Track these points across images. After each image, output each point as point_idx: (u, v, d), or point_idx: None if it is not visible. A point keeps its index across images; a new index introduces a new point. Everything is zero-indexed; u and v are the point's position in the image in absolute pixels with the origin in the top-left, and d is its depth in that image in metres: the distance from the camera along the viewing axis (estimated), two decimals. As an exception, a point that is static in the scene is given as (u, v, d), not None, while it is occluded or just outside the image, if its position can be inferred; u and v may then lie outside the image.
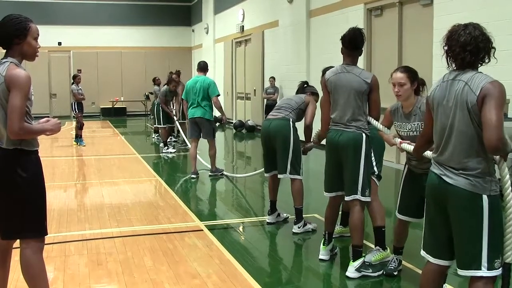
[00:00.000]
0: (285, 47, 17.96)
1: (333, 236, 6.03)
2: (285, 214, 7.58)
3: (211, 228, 7.22)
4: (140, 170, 12.35)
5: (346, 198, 5.56)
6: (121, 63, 30.64)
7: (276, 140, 7.13)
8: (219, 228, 7.34)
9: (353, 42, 5.62)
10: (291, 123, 7.11)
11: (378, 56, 13.34)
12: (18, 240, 4.17)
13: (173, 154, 14.79)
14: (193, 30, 31.92)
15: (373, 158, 5.78)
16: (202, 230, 7.22)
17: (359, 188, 5.44)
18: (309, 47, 16.44)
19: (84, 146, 16.34)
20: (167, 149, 15.06)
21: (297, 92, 7.61)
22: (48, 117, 4.39)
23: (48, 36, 27.87)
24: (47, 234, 4.23)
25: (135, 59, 30.93)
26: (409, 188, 5.12)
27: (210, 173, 11.20)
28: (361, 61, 13.47)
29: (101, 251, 6.32)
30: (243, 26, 22.80)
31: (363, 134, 5.44)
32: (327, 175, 5.79)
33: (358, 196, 5.45)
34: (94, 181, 10.67)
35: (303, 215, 7.09)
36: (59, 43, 29.48)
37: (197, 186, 10.57)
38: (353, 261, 5.43)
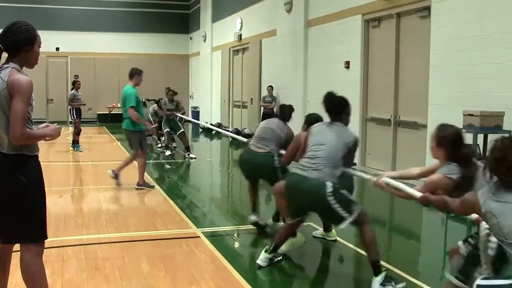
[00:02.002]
0: (283, 56, 18.04)
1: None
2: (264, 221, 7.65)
3: (208, 235, 7.26)
4: (136, 177, 12.36)
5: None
6: (118, 70, 30.58)
7: (261, 175, 7.35)
8: (215, 235, 7.37)
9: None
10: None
11: (375, 68, 13.43)
12: (17, 244, 4.21)
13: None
14: (190, 38, 32.01)
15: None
16: (199, 236, 7.26)
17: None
18: (307, 57, 16.52)
19: (81, 151, 16.39)
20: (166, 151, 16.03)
21: (283, 117, 7.46)
22: (45, 122, 4.45)
23: (46, 41, 27.56)
24: (47, 238, 4.26)
25: (132, 65, 30.21)
26: None
27: (136, 186, 10.49)
28: (357, 73, 13.63)
29: (98, 256, 6.36)
30: (241, 35, 22.89)
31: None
32: None
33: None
34: (91, 187, 10.70)
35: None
36: (57, 49, 29.48)
37: (193, 193, 10.62)
38: (375, 276, 5.37)
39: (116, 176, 10.68)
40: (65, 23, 29.47)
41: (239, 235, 7.51)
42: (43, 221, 4.20)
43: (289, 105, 7.87)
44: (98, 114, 29.84)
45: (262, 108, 18.84)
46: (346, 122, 5.86)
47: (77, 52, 29.54)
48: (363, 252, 5.83)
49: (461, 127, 9.19)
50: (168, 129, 16.23)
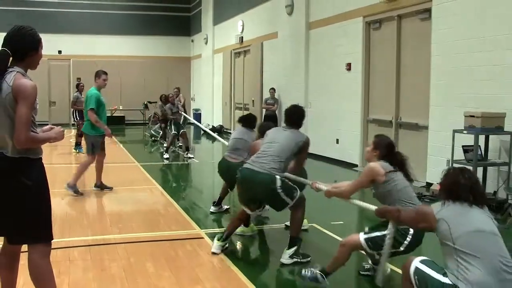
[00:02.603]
0: (284, 58, 18.11)
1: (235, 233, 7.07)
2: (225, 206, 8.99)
3: (211, 236, 7.31)
4: (140, 178, 12.48)
5: None
6: (120, 72, 30.72)
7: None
8: (219, 236, 7.42)
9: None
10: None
11: (376, 70, 13.50)
12: (25, 245, 4.28)
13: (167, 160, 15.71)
14: (192, 40, 32.11)
15: None
16: (203, 237, 7.35)
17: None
18: (308, 59, 16.61)
19: (83, 153, 16.43)
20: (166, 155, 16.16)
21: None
22: (47, 124, 4.50)
23: (48, 44, 27.61)
24: (53, 238, 4.33)
25: (134, 68, 31.08)
26: None
27: (65, 186, 10.22)
28: (359, 75, 13.70)
29: (104, 256, 6.44)
30: (242, 37, 22.98)
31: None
32: None
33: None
34: (94, 189, 10.74)
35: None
36: (59, 52, 29.62)
37: (196, 195, 10.68)
38: (287, 249, 6.28)
39: (100, 186, 10.62)
40: (67, 26, 29.61)
41: (243, 236, 7.57)
42: (49, 222, 4.27)
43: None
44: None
45: (264, 110, 18.90)
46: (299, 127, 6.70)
47: (79, 55, 29.65)
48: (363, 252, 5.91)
49: (462, 128, 9.28)
50: (176, 132, 16.52)
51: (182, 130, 16.54)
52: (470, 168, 9.01)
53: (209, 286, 5.49)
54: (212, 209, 8.88)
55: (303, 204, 6.35)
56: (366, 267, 5.91)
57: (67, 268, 5.99)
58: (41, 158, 4.21)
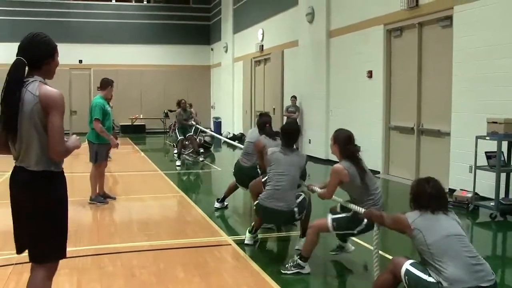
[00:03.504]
0: (305, 66, 18.22)
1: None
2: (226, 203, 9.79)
3: (238, 242, 7.42)
4: (163, 186, 12.62)
5: None
6: (140, 81, 31.02)
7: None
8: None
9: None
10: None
11: (398, 77, 13.54)
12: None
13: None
14: (212, 49, 32.28)
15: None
16: (230, 244, 7.44)
17: None
18: (329, 67, 16.70)
19: (110, 160, 16.66)
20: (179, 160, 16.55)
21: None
22: (68, 133, 4.48)
23: (69, 54, 28.35)
24: (65, 257, 4.19)
25: (154, 77, 31.33)
26: None
27: (89, 201, 10.22)
28: (380, 82, 13.75)
29: (134, 263, 6.54)
30: (262, 45, 23.10)
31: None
32: None
33: None
34: (120, 197, 10.86)
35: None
36: (80, 61, 29.96)
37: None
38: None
39: (96, 198, 10.25)
40: (88, 36, 29.99)
41: (271, 243, 7.64)
42: (66, 239, 4.14)
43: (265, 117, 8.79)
44: (121, 125, 30.14)
45: (285, 118, 18.99)
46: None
47: (100, 64, 29.88)
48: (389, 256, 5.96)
49: (485, 134, 9.30)
50: (182, 137, 16.97)
51: (188, 134, 17.10)
52: (494, 173, 9.12)
53: (238, 292, 5.59)
54: (217, 205, 9.76)
55: (309, 209, 6.92)
56: (335, 246, 6.73)
57: (99, 275, 6.09)
58: (63, 171, 4.11)
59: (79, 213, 9.37)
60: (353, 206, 5.70)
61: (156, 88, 31.08)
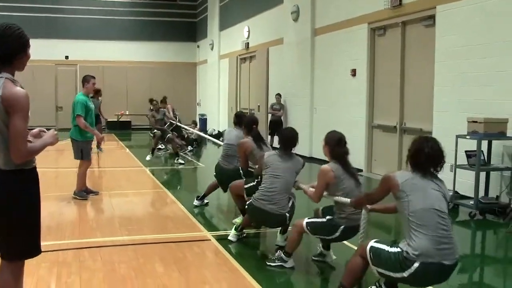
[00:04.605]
0: (290, 64, 18.29)
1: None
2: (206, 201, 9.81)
3: (218, 238, 7.47)
4: (147, 182, 12.66)
5: None
6: (126, 77, 30.99)
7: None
8: (225, 238, 7.50)
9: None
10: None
11: (381, 76, 13.63)
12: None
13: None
14: (198, 46, 32.30)
15: None
16: (210, 239, 7.50)
17: None
18: (314, 65, 16.76)
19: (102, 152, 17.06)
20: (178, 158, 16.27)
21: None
22: (51, 128, 4.26)
23: (56, 49, 28.34)
24: (40, 252, 4.07)
25: (140, 73, 31.31)
26: None
27: (73, 195, 10.29)
28: (364, 80, 13.83)
29: (114, 258, 6.57)
30: (248, 43, 23.15)
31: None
32: None
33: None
34: (103, 192, 10.88)
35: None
36: (66, 57, 29.87)
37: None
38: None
39: (86, 191, 10.41)
40: (74, 32, 29.89)
41: (250, 238, 7.69)
42: (38, 237, 4.01)
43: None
44: (107, 121, 30.03)
45: (270, 115, 19.03)
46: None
47: (86, 60, 29.83)
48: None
49: (465, 133, 9.39)
50: (160, 134, 17.06)
51: (168, 135, 16.92)
52: (473, 172, 9.21)
53: (217, 287, 5.64)
54: (196, 203, 9.76)
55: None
56: (317, 252, 6.66)
57: (78, 268, 6.12)
58: (35, 168, 3.94)
59: (62, 208, 9.42)
60: (340, 199, 5.74)
61: (142, 85, 31.02)
